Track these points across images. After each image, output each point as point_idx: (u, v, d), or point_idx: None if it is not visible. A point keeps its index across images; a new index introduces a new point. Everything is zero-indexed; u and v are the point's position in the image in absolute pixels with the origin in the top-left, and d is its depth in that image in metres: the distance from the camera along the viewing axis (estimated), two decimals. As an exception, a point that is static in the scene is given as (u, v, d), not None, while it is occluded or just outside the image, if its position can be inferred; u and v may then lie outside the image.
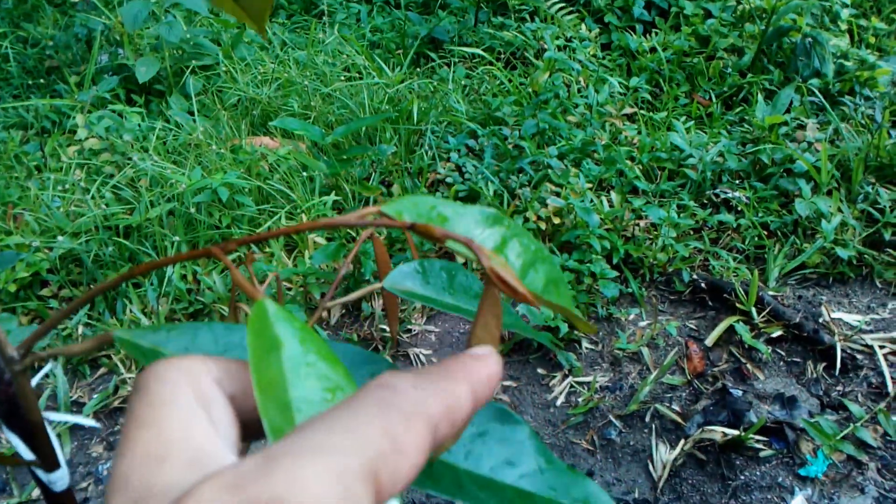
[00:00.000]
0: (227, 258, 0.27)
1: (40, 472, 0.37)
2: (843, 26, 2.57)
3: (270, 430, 0.21)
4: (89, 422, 0.42)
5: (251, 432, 0.23)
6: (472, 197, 1.91)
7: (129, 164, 1.90)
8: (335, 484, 0.17)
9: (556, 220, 1.80)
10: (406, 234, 0.54)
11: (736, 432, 1.38)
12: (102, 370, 1.55)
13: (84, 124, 2.01)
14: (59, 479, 0.37)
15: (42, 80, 2.51)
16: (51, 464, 0.37)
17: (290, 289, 1.67)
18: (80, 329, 1.57)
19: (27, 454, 0.37)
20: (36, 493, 1.33)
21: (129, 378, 1.50)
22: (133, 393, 0.22)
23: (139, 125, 2.06)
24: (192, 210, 1.72)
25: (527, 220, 1.79)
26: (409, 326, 1.67)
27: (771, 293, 1.71)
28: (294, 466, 0.17)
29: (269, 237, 0.27)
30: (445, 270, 0.57)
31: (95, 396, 1.49)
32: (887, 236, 1.77)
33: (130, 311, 1.59)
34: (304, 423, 0.19)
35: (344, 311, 1.70)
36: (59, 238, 1.66)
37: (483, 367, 0.23)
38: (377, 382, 0.20)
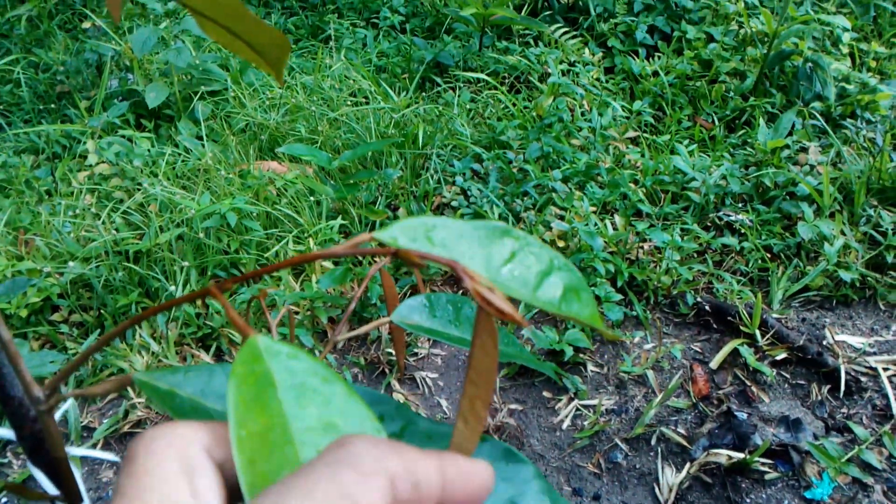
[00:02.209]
0: (224, 297, 0.28)
1: (64, 506, 0.38)
2: (845, 50, 2.59)
3: (248, 490, 0.21)
4: (111, 456, 0.44)
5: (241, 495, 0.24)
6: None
7: (139, 189, 1.92)
8: None
9: (561, 244, 1.82)
10: (414, 270, 0.55)
11: (741, 455, 1.38)
12: (112, 395, 1.57)
13: (94, 150, 2.04)
14: (83, 512, 0.38)
15: (53, 105, 2.55)
16: (74, 499, 0.38)
17: (297, 313, 1.69)
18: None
19: (52, 489, 0.38)
20: (46, 517, 1.34)
21: (139, 402, 1.51)
22: (122, 462, 0.22)
23: (149, 150, 2.09)
24: (201, 235, 1.74)
25: (531, 243, 1.80)
26: (415, 350, 1.68)
27: (775, 316, 1.72)
28: None
29: (262, 273, 0.28)
30: (451, 303, 0.59)
31: (105, 421, 1.51)
32: (890, 259, 1.78)
33: (140, 335, 1.60)
34: (266, 490, 0.19)
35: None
36: (70, 263, 1.68)
37: (469, 467, 0.22)
38: (336, 443, 0.21)
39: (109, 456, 0.41)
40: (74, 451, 0.39)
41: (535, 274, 0.28)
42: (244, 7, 0.40)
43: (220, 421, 0.24)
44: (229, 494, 0.23)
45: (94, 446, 1.43)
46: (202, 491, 0.22)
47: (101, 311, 1.67)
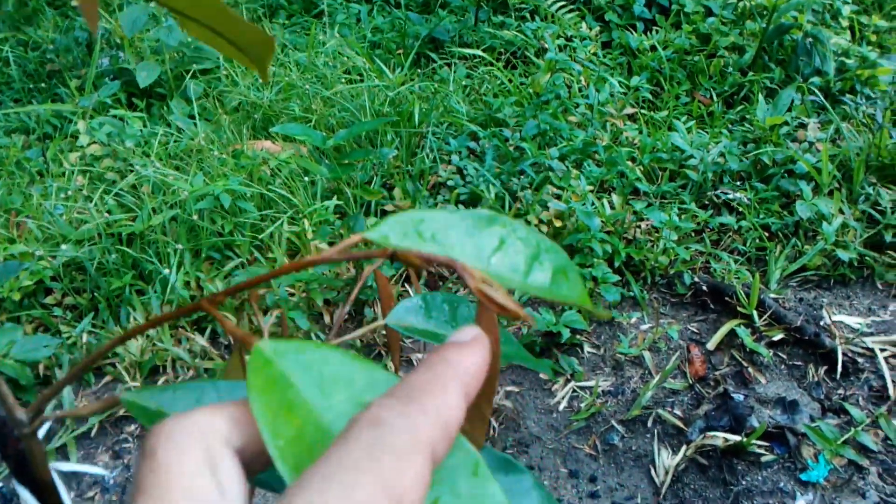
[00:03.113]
0: (217, 311, 0.27)
1: (50, 525, 0.38)
2: (845, 23, 2.56)
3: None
4: (98, 470, 0.43)
5: (259, 471, 0.23)
6: (473, 200, 1.91)
7: (131, 170, 1.90)
8: None
9: (558, 223, 1.81)
10: (409, 271, 0.54)
11: (738, 438, 1.39)
12: (107, 378, 1.56)
13: (86, 130, 2.01)
14: (69, 532, 0.38)
15: (43, 84, 2.51)
16: (60, 517, 0.37)
17: (292, 294, 1.68)
18: (85, 337, 1.58)
19: (37, 506, 0.38)
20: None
21: (134, 387, 1.51)
22: (140, 457, 0.22)
23: (141, 130, 2.06)
24: (195, 217, 1.72)
25: (528, 223, 1.79)
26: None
27: (772, 296, 1.71)
28: None
29: (249, 286, 0.27)
30: (447, 303, 0.58)
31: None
32: (888, 238, 1.77)
33: (134, 318, 1.59)
34: (300, 479, 0.19)
35: (347, 316, 1.71)
36: (63, 246, 1.66)
37: (469, 356, 0.22)
38: (366, 419, 0.20)
39: (97, 470, 0.40)
40: (61, 466, 0.39)
41: (525, 259, 0.28)
42: (226, 6, 0.38)
43: (235, 402, 0.23)
44: (249, 479, 0.22)
45: (88, 431, 1.42)
46: (226, 483, 0.21)
47: (95, 294, 1.66)
